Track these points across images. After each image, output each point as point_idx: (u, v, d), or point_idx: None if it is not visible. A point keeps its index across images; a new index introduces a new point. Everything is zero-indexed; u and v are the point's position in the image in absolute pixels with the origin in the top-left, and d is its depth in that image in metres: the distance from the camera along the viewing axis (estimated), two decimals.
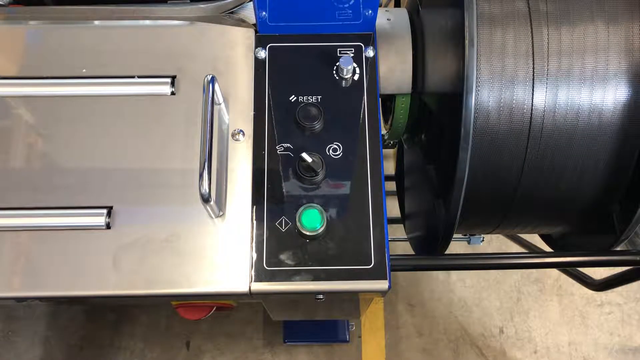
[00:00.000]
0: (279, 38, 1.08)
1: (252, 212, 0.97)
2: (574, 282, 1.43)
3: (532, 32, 0.98)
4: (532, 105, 0.98)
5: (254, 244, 0.95)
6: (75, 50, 1.08)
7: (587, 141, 1.00)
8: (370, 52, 1.07)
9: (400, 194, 1.56)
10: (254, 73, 1.06)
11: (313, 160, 0.96)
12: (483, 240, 2.02)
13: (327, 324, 2.14)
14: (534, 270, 2.34)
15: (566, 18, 0.98)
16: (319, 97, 1.04)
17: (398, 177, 1.59)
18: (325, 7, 1.07)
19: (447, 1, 1.01)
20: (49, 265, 0.94)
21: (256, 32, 1.09)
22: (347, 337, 2.13)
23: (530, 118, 0.98)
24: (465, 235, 1.99)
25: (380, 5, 1.29)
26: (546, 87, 0.97)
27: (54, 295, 0.93)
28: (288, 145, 1.01)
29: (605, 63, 0.97)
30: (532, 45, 0.98)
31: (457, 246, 2.27)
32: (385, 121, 1.32)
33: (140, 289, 0.93)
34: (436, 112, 1.09)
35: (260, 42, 1.08)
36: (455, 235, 1.14)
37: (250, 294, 0.93)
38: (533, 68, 0.97)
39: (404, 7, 1.28)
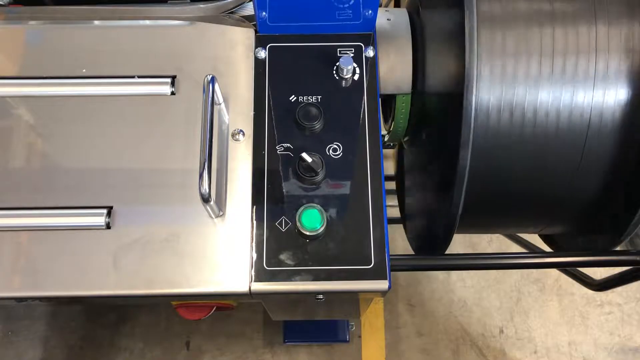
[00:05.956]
0: (279, 38, 1.08)
1: (252, 212, 0.97)
2: (574, 282, 1.43)
3: (532, 32, 0.98)
4: (532, 105, 0.98)
5: (254, 244, 0.95)
6: (75, 50, 1.08)
7: (588, 141, 1.00)
8: (370, 52, 1.07)
9: (400, 194, 1.56)
10: (254, 73, 1.06)
11: (313, 160, 0.96)
12: None
13: (327, 324, 2.14)
14: (534, 270, 2.34)
15: (566, 18, 0.98)
16: (319, 97, 1.04)
17: (398, 177, 1.59)
18: (325, 7, 1.07)
19: (447, 1, 1.01)
20: (48, 265, 0.94)
21: (256, 32, 1.09)
22: (347, 337, 2.13)
23: (531, 118, 0.98)
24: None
25: (380, 5, 1.29)
26: (546, 87, 0.97)
27: (54, 295, 0.93)
28: (288, 145, 1.01)
29: (606, 63, 0.97)
30: (533, 45, 0.98)
31: (457, 246, 2.27)
32: (386, 121, 1.32)
33: (140, 289, 0.93)
34: (436, 112, 1.09)
35: (260, 42, 1.08)
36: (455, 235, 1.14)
37: (250, 294, 0.93)
38: (533, 68, 0.97)
39: (404, 7, 1.28)
